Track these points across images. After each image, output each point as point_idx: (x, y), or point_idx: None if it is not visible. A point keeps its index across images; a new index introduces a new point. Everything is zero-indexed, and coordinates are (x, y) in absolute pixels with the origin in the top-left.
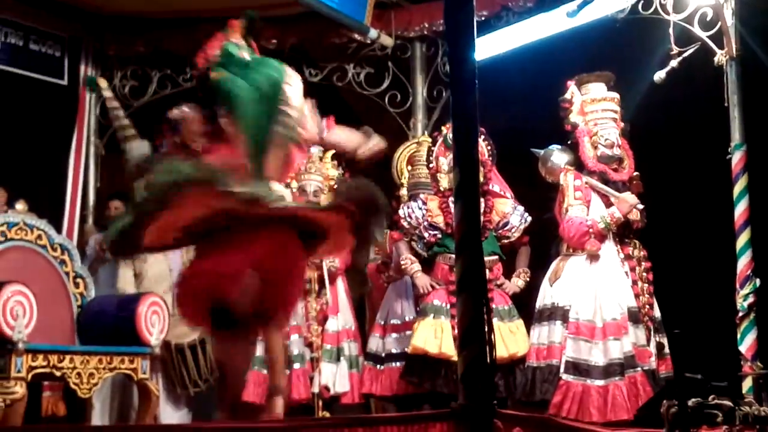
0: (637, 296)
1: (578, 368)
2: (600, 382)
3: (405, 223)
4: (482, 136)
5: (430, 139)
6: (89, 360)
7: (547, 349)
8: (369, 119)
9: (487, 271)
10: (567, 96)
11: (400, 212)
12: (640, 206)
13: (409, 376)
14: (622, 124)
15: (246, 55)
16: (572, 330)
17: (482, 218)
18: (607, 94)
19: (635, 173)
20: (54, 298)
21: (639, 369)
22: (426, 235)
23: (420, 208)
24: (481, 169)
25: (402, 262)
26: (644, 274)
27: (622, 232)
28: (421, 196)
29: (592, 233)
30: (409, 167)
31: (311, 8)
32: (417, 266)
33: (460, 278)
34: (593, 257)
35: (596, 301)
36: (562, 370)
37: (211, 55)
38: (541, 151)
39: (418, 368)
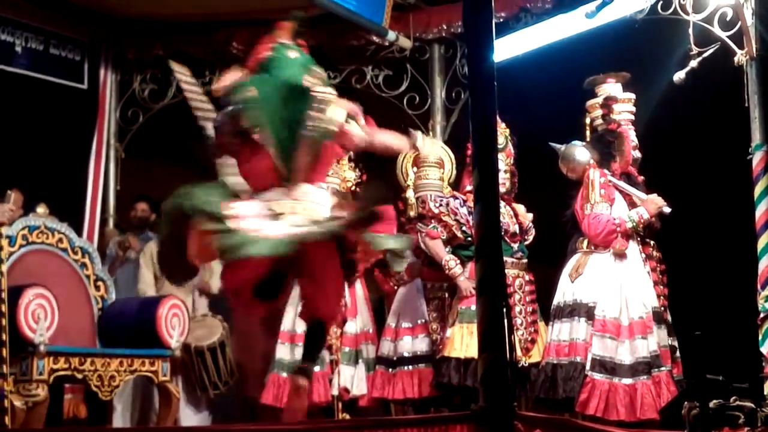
0: (658, 297)
1: (605, 366)
2: (627, 381)
3: (449, 219)
4: (514, 143)
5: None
6: (110, 362)
7: (568, 345)
8: (387, 121)
9: (525, 273)
10: (611, 94)
11: (435, 208)
12: (667, 209)
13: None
14: None
15: (295, 54)
16: (598, 327)
17: (515, 221)
18: (628, 96)
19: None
20: (75, 301)
21: (664, 369)
22: (472, 233)
23: (462, 206)
24: (513, 177)
25: (447, 265)
26: (661, 276)
27: (643, 233)
28: (455, 194)
29: (619, 232)
30: (415, 169)
31: (329, 10)
32: (460, 268)
33: (480, 281)
34: (620, 256)
35: (622, 300)
36: (588, 367)
37: (262, 58)
38: (562, 147)
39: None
